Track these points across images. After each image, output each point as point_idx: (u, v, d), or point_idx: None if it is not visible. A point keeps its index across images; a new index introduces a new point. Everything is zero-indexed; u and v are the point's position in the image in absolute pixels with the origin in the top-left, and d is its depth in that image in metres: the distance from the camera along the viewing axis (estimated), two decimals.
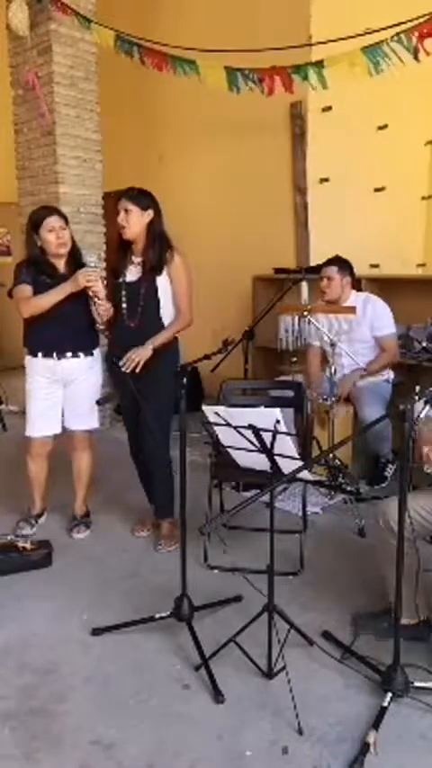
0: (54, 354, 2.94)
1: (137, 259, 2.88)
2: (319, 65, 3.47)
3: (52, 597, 2.60)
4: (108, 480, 3.69)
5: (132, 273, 2.89)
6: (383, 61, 3.25)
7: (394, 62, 3.24)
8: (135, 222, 2.78)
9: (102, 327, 2.99)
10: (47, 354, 2.95)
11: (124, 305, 2.88)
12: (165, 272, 2.84)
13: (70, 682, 2.10)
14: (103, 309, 2.82)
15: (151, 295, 2.84)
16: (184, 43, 3.87)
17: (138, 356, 2.74)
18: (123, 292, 2.88)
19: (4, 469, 4.02)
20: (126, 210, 2.78)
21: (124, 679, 2.10)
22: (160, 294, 2.84)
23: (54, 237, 2.85)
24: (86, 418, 3.09)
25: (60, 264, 2.94)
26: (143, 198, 2.80)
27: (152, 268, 2.82)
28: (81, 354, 2.98)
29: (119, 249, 2.93)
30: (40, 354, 2.96)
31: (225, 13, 4.85)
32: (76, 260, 2.96)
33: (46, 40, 4.32)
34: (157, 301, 2.84)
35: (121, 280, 2.90)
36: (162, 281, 2.84)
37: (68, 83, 4.43)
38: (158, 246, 2.82)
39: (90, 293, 2.78)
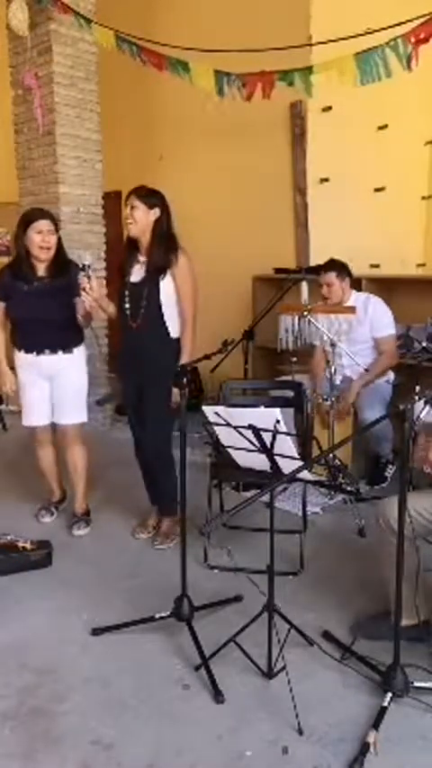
0: (34, 351, 3.04)
1: (142, 258, 2.87)
2: (307, 71, 3.45)
3: (52, 597, 2.60)
4: (108, 480, 3.69)
5: (137, 274, 2.88)
6: (373, 70, 3.24)
7: (386, 72, 3.23)
8: (139, 219, 2.78)
9: (81, 321, 3.04)
10: (28, 350, 3.06)
11: (127, 305, 2.87)
12: (168, 275, 2.82)
13: (70, 682, 2.10)
14: (88, 304, 2.83)
15: (154, 297, 2.82)
16: (184, 43, 3.87)
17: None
18: (127, 293, 2.88)
19: (5, 469, 4.01)
20: (132, 207, 2.78)
21: (124, 679, 2.10)
22: (162, 297, 2.82)
23: (39, 239, 2.90)
24: (73, 413, 3.14)
25: (41, 268, 2.99)
26: (151, 197, 2.80)
27: (156, 269, 2.81)
28: (60, 351, 3.05)
29: (127, 248, 2.92)
30: (22, 350, 3.07)
31: (225, 13, 4.84)
32: (58, 266, 2.99)
33: (46, 40, 4.32)
34: (159, 304, 2.82)
35: (126, 280, 2.90)
36: (165, 284, 2.82)
37: (68, 83, 4.43)
38: (164, 247, 2.80)
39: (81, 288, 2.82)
